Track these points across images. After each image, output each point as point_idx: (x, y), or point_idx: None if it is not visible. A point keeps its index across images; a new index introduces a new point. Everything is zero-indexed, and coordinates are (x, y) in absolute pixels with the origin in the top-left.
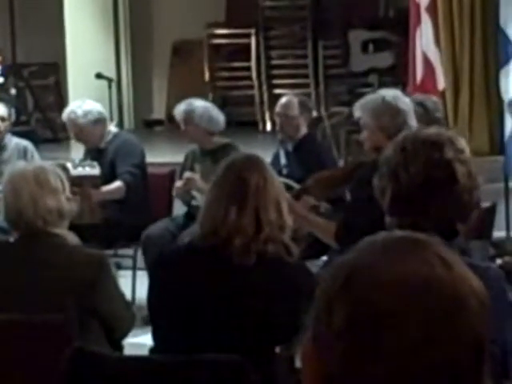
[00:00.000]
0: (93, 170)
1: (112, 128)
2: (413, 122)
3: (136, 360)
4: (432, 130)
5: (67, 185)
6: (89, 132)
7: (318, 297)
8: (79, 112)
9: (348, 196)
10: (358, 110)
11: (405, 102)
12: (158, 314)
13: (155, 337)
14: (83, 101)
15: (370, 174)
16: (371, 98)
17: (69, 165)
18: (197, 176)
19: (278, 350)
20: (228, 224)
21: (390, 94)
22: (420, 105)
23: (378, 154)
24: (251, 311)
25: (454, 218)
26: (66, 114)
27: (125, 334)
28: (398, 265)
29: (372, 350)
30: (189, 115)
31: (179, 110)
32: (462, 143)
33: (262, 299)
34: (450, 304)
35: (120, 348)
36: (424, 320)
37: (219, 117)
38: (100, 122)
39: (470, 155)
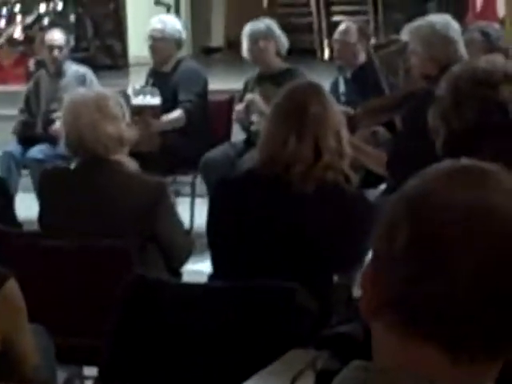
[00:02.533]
0: (153, 98)
1: (179, 54)
2: (462, 49)
3: (194, 286)
4: (487, 65)
5: (127, 112)
6: (162, 45)
7: (379, 221)
8: (166, 22)
9: (399, 124)
10: (406, 35)
11: (455, 29)
12: (217, 241)
13: (214, 263)
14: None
15: (422, 104)
16: (421, 24)
17: (130, 91)
18: (258, 97)
19: (335, 278)
20: (287, 151)
21: (441, 21)
22: (482, 33)
23: (427, 82)
24: (309, 239)
25: (509, 161)
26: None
27: (183, 261)
28: (462, 191)
29: (434, 273)
30: (270, 31)
31: (258, 26)
32: None
33: (321, 227)
34: (510, 233)
35: (179, 275)
36: (486, 246)
37: (285, 39)
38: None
39: None
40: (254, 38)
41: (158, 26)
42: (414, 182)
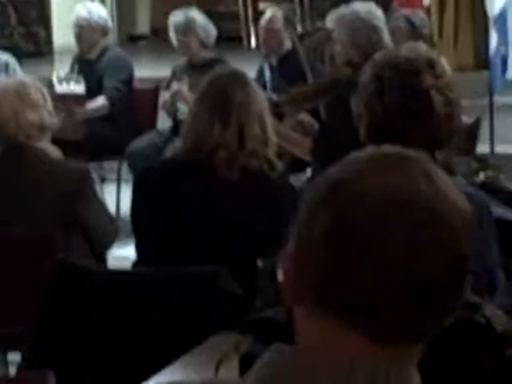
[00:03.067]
0: (78, 86)
1: (104, 41)
2: (387, 38)
3: (119, 273)
4: (410, 52)
5: (49, 99)
6: (88, 32)
7: (300, 208)
8: (92, 10)
9: (322, 111)
10: (330, 22)
11: (379, 17)
12: (141, 229)
13: (138, 250)
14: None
15: (346, 92)
16: (346, 12)
17: (54, 79)
18: (184, 87)
19: (260, 263)
20: (211, 139)
21: (365, 9)
22: (406, 20)
23: (351, 70)
24: (233, 224)
25: (432, 146)
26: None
27: (108, 247)
28: (382, 179)
29: (352, 262)
30: (190, 25)
31: (178, 19)
32: (442, 66)
33: (245, 213)
34: (432, 218)
35: (104, 260)
36: (405, 234)
37: (213, 29)
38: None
39: (451, 78)
40: (175, 31)
41: (84, 13)
42: (335, 168)
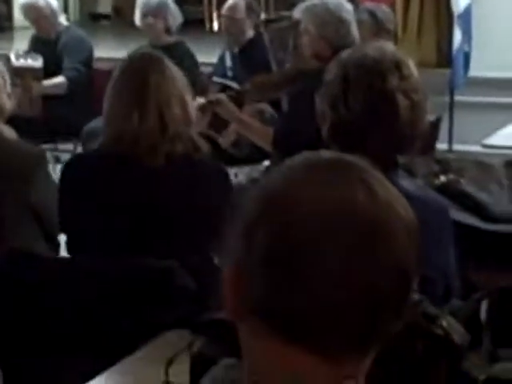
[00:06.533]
0: (35, 62)
1: (63, 21)
2: (355, 31)
3: (68, 262)
4: (377, 52)
5: (8, 80)
6: (46, 18)
7: (238, 222)
8: None
9: (285, 102)
10: (298, 13)
11: (348, 10)
12: (70, 226)
13: (69, 248)
14: None
15: (312, 85)
16: (315, 3)
17: (12, 55)
18: None
19: (216, 260)
20: (131, 126)
21: (334, 1)
22: (370, 14)
23: (318, 62)
24: (166, 214)
25: (395, 150)
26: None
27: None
28: (317, 191)
29: (291, 282)
30: (162, 8)
31: (150, 1)
32: (409, 67)
33: (175, 201)
34: (371, 230)
35: (56, 244)
36: (342, 248)
37: (179, 15)
38: (55, 10)
39: (417, 80)
40: (144, 12)
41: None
42: (271, 177)
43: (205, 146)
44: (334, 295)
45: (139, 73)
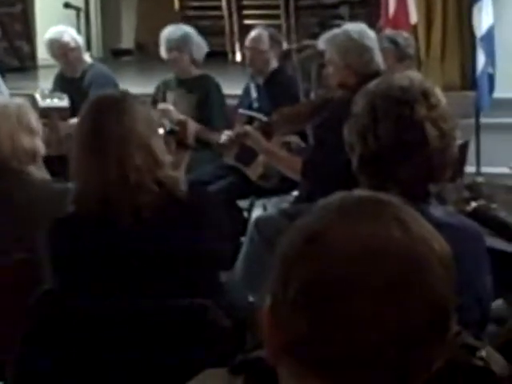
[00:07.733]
0: (62, 101)
1: (87, 59)
2: (379, 58)
3: (104, 307)
4: (404, 81)
5: (41, 128)
6: (72, 52)
7: (274, 264)
8: (65, 34)
9: (309, 131)
10: (322, 44)
11: (370, 37)
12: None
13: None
14: (62, 28)
15: (338, 113)
16: (337, 33)
17: (37, 95)
18: (171, 107)
19: (251, 298)
20: (93, 185)
21: (356, 29)
22: (391, 41)
23: (344, 91)
24: (145, 263)
25: (425, 179)
26: (50, 34)
27: None
28: (352, 230)
29: (329, 320)
30: (186, 41)
31: (173, 35)
32: (437, 96)
33: (151, 250)
34: (407, 267)
35: None
36: (380, 286)
37: (204, 45)
38: (80, 45)
39: (445, 108)
40: (169, 46)
41: (56, 37)
42: (306, 219)
43: (182, 177)
44: (372, 334)
45: (96, 121)
